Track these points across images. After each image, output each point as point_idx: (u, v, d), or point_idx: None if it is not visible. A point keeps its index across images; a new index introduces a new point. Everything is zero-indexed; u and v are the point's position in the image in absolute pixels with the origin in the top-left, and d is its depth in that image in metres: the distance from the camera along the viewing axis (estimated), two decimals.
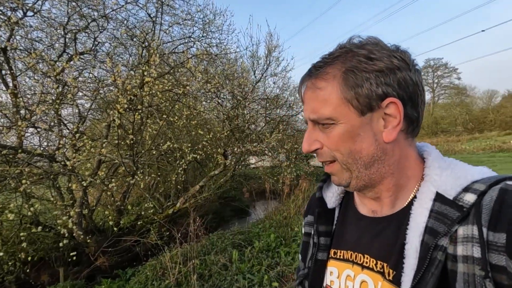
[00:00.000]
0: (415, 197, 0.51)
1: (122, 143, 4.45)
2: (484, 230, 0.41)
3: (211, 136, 5.47)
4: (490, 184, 0.43)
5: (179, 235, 3.79)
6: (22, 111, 4.15)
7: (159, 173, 6.35)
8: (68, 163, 3.46)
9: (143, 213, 5.22)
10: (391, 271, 0.49)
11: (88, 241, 4.65)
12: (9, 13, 4.15)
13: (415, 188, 0.52)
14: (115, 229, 4.59)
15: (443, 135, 32.17)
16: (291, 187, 6.54)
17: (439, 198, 0.47)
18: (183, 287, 3.23)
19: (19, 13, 4.34)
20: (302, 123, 12.79)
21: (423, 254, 0.44)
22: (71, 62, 4.73)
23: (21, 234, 3.28)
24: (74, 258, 3.80)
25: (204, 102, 6.28)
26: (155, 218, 5.43)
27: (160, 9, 5.25)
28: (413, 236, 0.47)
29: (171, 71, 4.89)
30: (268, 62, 6.79)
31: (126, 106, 3.63)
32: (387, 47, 0.51)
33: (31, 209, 3.19)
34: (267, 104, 8.07)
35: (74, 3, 4.61)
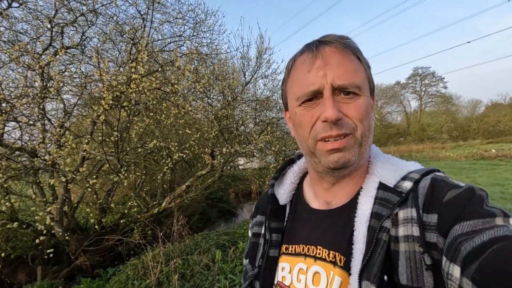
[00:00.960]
0: (361, 188, 0.55)
1: (107, 140, 4.37)
2: (420, 212, 0.46)
3: (199, 136, 5.44)
4: (423, 174, 0.51)
5: (162, 234, 3.75)
6: (4, 104, 4.04)
7: (145, 172, 6.27)
8: (47, 157, 3.38)
9: (127, 212, 5.13)
10: (342, 257, 0.52)
11: (68, 239, 4.54)
12: None
13: (363, 180, 0.56)
14: (97, 227, 4.50)
15: (429, 142, 32.95)
16: None
17: (381, 186, 0.52)
18: (164, 287, 3.20)
19: (4, 4, 4.24)
20: None
21: (370, 237, 0.47)
22: (57, 56, 4.63)
23: None
24: (51, 255, 3.70)
25: (193, 102, 6.25)
26: (139, 217, 5.34)
27: (151, 6, 5.21)
28: (361, 222, 0.50)
29: (160, 69, 4.85)
30: (258, 64, 6.82)
31: (111, 102, 3.58)
32: None
33: (7, 204, 3.09)
34: (257, 106, 8.09)
35: None
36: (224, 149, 7.00)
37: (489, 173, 9.67)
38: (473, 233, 0.39)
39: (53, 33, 4.72)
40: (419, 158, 17.57)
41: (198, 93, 5.94)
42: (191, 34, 5.83)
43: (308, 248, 0.57)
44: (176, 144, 5.27)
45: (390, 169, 0.54)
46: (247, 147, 7.02)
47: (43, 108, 4.46)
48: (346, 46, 0.52)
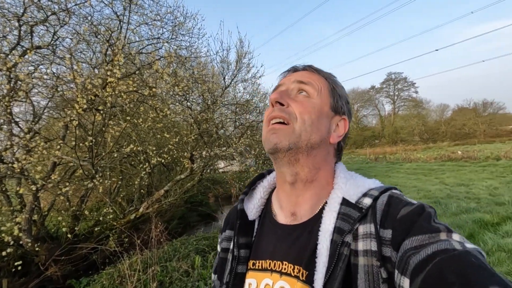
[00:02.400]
0: (326, 202, 0.58)
1: (81, 144, 4.20)
2: (378, 227, 0.49)
3: (177, 139, 5.36)
4: (382, 191, 0.54)
5: (140, 241, 3.65)
6: None
7: (121, 177, 6.07)
8: (15, 165, 3.20)
9: (102, 218, 4.94)
10: (304, 271, 0.53)
11: (38, 249, 4.31)
12: None
13: (327, 194, 0.59)
14: (69, 236, 4.30)
15: (402, 144, 34.44)
16: None
17: (344, 202, 0.55)
18: None
19: None
20: None
21: (333, 251, 0.50)
22: (26, 56, 4.40)
23: None
24: (20, 268, 3.49)
25: (171, 105, 6.15)
26: (115, 224, 5.17)
27: (128, 7, 5.09)
28: (324, 236, 0.52)
29: (137, 71, 4.74)
30: (238, 68, 6.84)
31: (85, 106, 3.45)
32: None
33: None
34: (237, 109, 8.09)
35: None
36: (204, 153, 6.94)
37: (455, 174, 10.26)
38: (420, 247, 0.42)
39: (22, 32, 4.48)
40: (392, 160, 18.32)
41: (177, 96, 5.86)
42: (170, 37, 5.75)
43: (275, 264, 0.58)
44: (154, 148, 5.16)
45: (353, 185, 0.57)
46: (227, 150, 7.00)
47: (10, 112, 4.21)
48: (315, 71, 0.64)
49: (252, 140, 7.83)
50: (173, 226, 7.14)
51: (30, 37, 4.62)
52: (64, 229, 4.03)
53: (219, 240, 0.74)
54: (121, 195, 6.31)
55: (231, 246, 0.66)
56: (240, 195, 0.71)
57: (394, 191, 0.55)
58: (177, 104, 6.22)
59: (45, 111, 5.42)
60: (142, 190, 6.24)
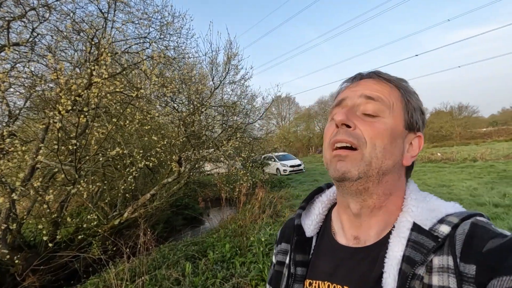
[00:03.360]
0: (393, 227, 0.52)
1: (63, 147, 3.99)
2: (458, 261, 0.43)
3: (165, 142, 5.21)
4: (463, 218, 0.47)
5: (127, 248, 3.50)
6: None
7: (105, 181, 5.82)
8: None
9: (84, 225, 4.72)
10: None
11: (13, 259, 4.05)
12: None
13: (395, 218, 0.53)
14: (50, 244, 4.07)
15: None
16: (247, 196, 6.54)
17: (415, 228, 0.49)
18: None
19: None
20: (258, 130, 13.00)
21: (401, 283, 0.45)
22: (2, 54, 4.14)
23: None
24: None
25: (158, 106, 5.98)
26: (98, 230, 4.95)
27: (113, 5, 4.90)
28: (391, 265, 0.47)
29: (123, 72, 4.57)
30: (227, 69, 6.77)
31: (69, 107, 3.27)
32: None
33: None
34: (225, 111, 8.01)
35: None
36: (191, 154, 6.79)
37: (436, 175, 10.62)
38: None
39: None
40: None
41: (165, 97, 5.71)
42: (157, 36, 5.60)
43: (334, 287, 0.54)
44: (140, 151, 4.99)
45: (426, 208, 0.51)
46: (215, 152, 6.89)
47: None
48: (385, 79, 0.56)
49: (240, 143, 7.77)
50: (159, 231, 6.94)
51: (6, 33, 4.36)
52: (44, 238, 3.79)
53: (274, 251, 0.72)
54: (105, 200, 6.06)
55: (287, 260, 0.64)
56: (297, 209, 0.68)
57: (479, 218, 0.48)
58: (164, 105, 6.06)
59: (22, 111, 5.12)
60: (127, 194, 6.02)
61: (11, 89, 4.79)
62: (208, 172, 10.37)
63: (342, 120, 0.52)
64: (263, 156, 14.34)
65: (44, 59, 4.76)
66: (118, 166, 5.37)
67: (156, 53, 4.71)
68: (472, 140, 28.75)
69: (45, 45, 4.94)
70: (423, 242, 0.47)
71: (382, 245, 0.51)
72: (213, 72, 6.57)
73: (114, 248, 4.88)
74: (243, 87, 8.56)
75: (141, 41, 5.47)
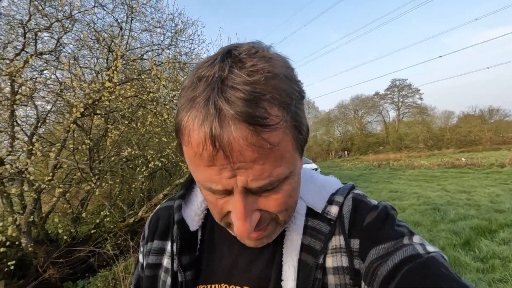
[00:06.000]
0: None
1: (80, 148, 4.30)
2: (347, 238, 0.44)
3: (175, 143, 5.43)
4: (345, 195, 0.49)
5: (134, 243, 3.69)
6: None
7: (122, 180, 6.14)
8: (18, 165, 3.29)
9: (100, 221, 5.01)
10: None
11: (36, 251, 4.37)
12: None
13: None
14: (65, 237, 4.37)
15: (406, 150, 34.20)
16: None
17: (310, 213, 0.48)
18: None
19: None
20: None
21: (305, 275, 0.42)
22: (29, 62, 4.53)
23: None
24: (17, 268, 3.55)
25: (169, 110, 6.25)
26: (113, 227, 5.23)
27: (130, 15, 5.23)
28: (290, 255, 0.45)
29: (137, 77, 4.85)
30: None
31: (82, 110, 3.54)
32: (282, 56, 0.41)
33: None
34: None
35: (36, 2, 4.47)
36: None
37: (458, 180, 10.16)
38: (386, 255, 0.39)
39: (26, 38, 4.63)
40: (396, 166, 18.19)
41: (175, 100, 5.96)
42: (170, 43, 5.88)
43: None
44: (153, 152, 5.24)
45: (314, 190, 0.50)
46: None
47: (13, 115, 4.33)
48: (265, 127, 0.33)
49: None
50: None
51: (34, 43, 4.78)
52: (60, 231, 4.08)
53: (141, 250, 0.58)
54: (123, 199, 6.39)
55: (165, 263, 0.53)
56: (176, 199, 0.56)
57: (355, 191, 0.50)
58: (175, 108, 6.31)
59: (48, 115, 5.56)
60: (142, 194, 6.30)
61: (38, 94, 5.22)
62: None
63: (247, 231, 0.39)
64: None
65: (65, 66, 5.15)
66: (131, 166, 5.66)
67: (165, 59, 4.95)
68: (504, 146, 27.09)
69: (68, 53, 5.35)
70: (320, 227, 0.46)
71: (280, 234, 0.47)
72: None
73: (127, 244, 5.13)
74: None
75: (155, 47, 5.78)
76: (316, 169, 16.22)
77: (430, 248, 0.39)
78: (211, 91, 0.33)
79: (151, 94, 4.24)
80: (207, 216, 0.55)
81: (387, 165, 19.48)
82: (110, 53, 4.91)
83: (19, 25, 4.54)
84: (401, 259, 0.38)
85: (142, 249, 0.59)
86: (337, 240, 0.45)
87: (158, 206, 0.61)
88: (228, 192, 0.38)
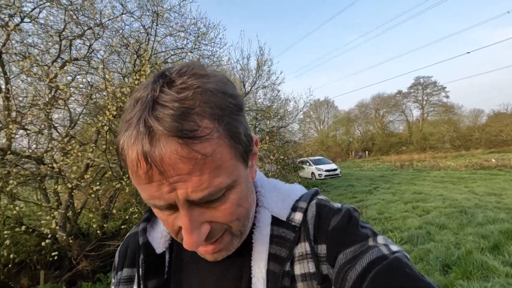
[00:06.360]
0: (254, 225, 0.49)
1: (111, 148, 4.56)
2: (313, 244, 0.45)
3: None
4: (308, 201, 0.50)
5: None
6: (14, 114, 4.25)
7: None
8: (55, 165, 3.56)
9: (128, 217, 5.28)
10: None
11: (71, 244, 4.68)
12: (6, 19, 4.30)
13: (253, 215, 0.49)
14: (98, 232, 4.65)
15: (431, 151, 32.91)
16: None
17: (275, 221, 0.48)
18: None
19: (17, 19, 4.50)
20: (291, 134, 13.07)
21: (273, 285, 0.43)
22: (65, 68, 4.87)
23: (5, 232, 3.35)
24: (55, 259, 3.84)
25: None
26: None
27: (155, 21, 5.48)
28: (258, 267, 0.45)
29: None
30: (258, 75, 7.05)
31: (115, 112, 3.77)
32: (219, 73, 0.43)
33: (17, 208, 3.27)
34: (257, 115, 8.29)
35: (71, 12, 4.79)
36: None
37: (487, 182, 9.71)
38: (354, 259, 0.40)
39: (62, 46, 4.97)
40: (420, 167, 17.60)
41: None
42: (193, 47, 6.08)
43: None
44: None
45: (278, 198, 0.51)
46: None
47: (50, 118, 4.67)
48: (195, 140, 0.34)
49: (271, 145, 7.96)
50: None
51: (69, 50, 5.12)
52: (94, 226, 4.36)
53: (113, 281, 0.57)
54: None
55: None
56: (140, 222, 0.56)
57: (319, 197, 0.52)
58: None
59: (80, 117, 5.92)
60: None
61: (72, 98, 5.57)
62: None
63: (198, 247, 0.40)
64: (298, 160, 14.33)
65: (98, 71, 5.47)
66: None
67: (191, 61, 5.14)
68: None
69: (99, 59, 5.68)
70: (285, 235, 0.47)
71: (246, 246, 0.47)
72: (245, 78, 6.89)
73: None
74: (274, 91, 8.77)
75: (179, 51, 6.00)
76: (335, 170, 16.02)
77: (394, 248, 0.41)
78: (143, 111, 0.34)
79: None
80: (173, 238, 0.53)
81: (410, 166, 18.88)
82: (138, 58, 5.16)
83: (56, 33, 4.89)
84: (368, 262, 0.39)
85: (113, 280, 0.57)
86: (303, 247, 0.46)
87: (128, 233, 0.60)
88: (175, 207, 0.38)
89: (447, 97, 41.00)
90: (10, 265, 4.01)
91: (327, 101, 46.06)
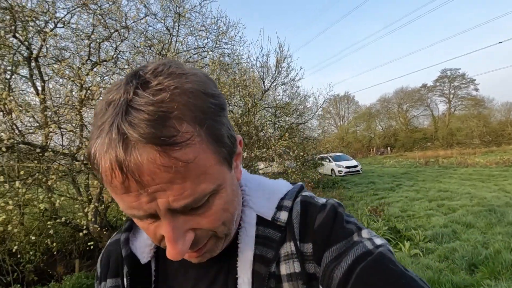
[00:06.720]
0: (239, 226, 0.48)
1: None
2: (298, 243, 0.44)
3: None
4: (293, 199, 0.49)
5: None
6: (49, 113, 4.57)
7: None
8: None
9: None
10: None
11: (103, 234, 4.99)
12: (42, 25, 4.61)
13: (240, 216, 0.48)
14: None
15: (458, 147, 31.45)
16: None
17: (260, 221, 0.47)
18: None
19: (51, 25, 4.80)
20: (310, 131, 12.98)
21: (258, 286, 0.43)
22: (95, 69, 5.14)
23: (48, 223, 3.64)
24: (91, 247, 4.15)
25: None
26: None
27: (177, 21, 5.64)
28: (244, 268, 0.44)
29: None
30: (277, 72, 7.07)
31: None
32: (198, 71, 0.40)
33: (57, 201, 3.54)
34: (277, 112, 8.33)
35: (99, 16, 5.04)
36: (244, 154, 7.27)
37: None
38: (340, 256, 0.40)
39: (91, 48, 5.26)
40: (446, 164, 16.91)
41: None
42: (214, 46, 6.20)
43: None
44: None
45: (263, 197, 0.50)
46: (266, 152, 7.24)
47: (81, 117, 4.97)
48: (175, 146, 0.32)
49: (291, 142, 7.98)
50: None
51: (97, 52, 5.40)
52: (124, 218, 4.63)
53: None
54: None
55: None
56: (122, 232, 0.53)
57: (304, 193, 0.51)
58: None
59: None
60: None
61: (101, 97, 5.88)
62: (261, 171, 10.82)
63: (182, 256, 0.38)
64: (318, 157, 14.22)
65: (124, 72, 5.73)
66: None
67: (212, 60, 5.26)
68: None
69: (124, 59, 5.94)
70: (271, 235, 0.46)
71: (232, 248, 0.47)
72: (264, 75, 6.93)
73: None
74: (293, 88, 8.75)
75: (200, 50, 6.15)
76: (356, 166, 15.75)
77: (378, 241, 0.41)
78: (115, 116, 0.32)
79: None
80: (158, 246, 0.51)
81: (435, 162, 18.17)
82: (161, 58, 5.36)
83: (86, 37, 5.17)
84: (353, 259, 0.39)
85: None
86: (289, 247, 0.45)
87: (108, 241, 0.57)
88: (156, 216, 0.36)
89: (477, 90, 38.86)
90: (54, 253, 4.34)
91: (347, 96, 45.12)
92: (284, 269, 0.44)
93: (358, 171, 15.72)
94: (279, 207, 0.48)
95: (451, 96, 40.21)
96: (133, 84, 0.33)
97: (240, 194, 0.49)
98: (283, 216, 0.47)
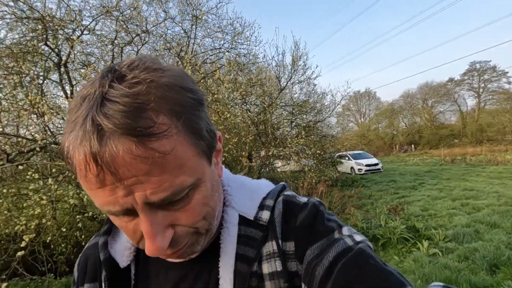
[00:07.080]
0: (221, 226, 0.48)
1: None
2: (280, 242, 0.45)
3: (237, 140, 5.88)
4: (275, 198, 0.50)
5: None
6: None
7: None
8: None
9: None
10: None
11: None
12: (70, 32, 4.93)
13: (221, 215, 0.48)
14: None
15: (488, 144, 29.79)
16: (308, 191, 6.75)
17: (242, 221, 0.48)
18: None
19: (78, 32, 5.12)
20: (328, 128, 12.84)
21: (240, 285, 0.43)
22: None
23: (77, 217, 3.92)
24: None
25: (231, 108, 6.75)
26: None
27: (195, 24, 5.82)
28: (226, 267, 0.44)
29: (201, 80, 5.41)
30: (293, 70, 7.08)
31: None
32: (174, 67, 0.40)
33: (85, 197, 3.81)
34: (294, 110, 8.34)
35: (121, 22, 5.31)
36: (262, 152, 7.37)
37: None
38: (321, 253, 0.41)
39: (114, 53, 5.55)
40: (474, 162, 16.11)
41: (237, 100, 6.41)
42: (230, 46, 6.33)
43: None
44: None
45: (246, 196, 0.50)
46: (283, 150, 7.30)
47: None
48: (152, 137, 0.32)
49: (307, 140, 7.97)
50: None
51: (120, 56, 5.69)
52: None
53: None
54: None
55: None
56: (101, 236, 0.52)
57: (286, 192, 0.52)
58: (237, 107, 6.77)
59: None
60: None
61: None
62: (279, 169, 10.89)
63: (163, 251, 0.37)
64: (337, 155, 14.04)
65: None
66: None
67: (228, 61, 5.40)
68: None
69: None
70: (252, 234, 0.46)
71: (214, 248, 0.47)
72: (280, 74, 6.98)
73: None
74: (310, 86, 8.72)
75: (217, 51, 6.30)
76: (376, 164, 15.39)
77: (358, 238, 0.43)
78: (90, 109, 0.31)
79: (215, 96, 4.70)
80: (138, 249, 0.51)
81: (462, 160, 17.36)
82: (179, 60, 5.55)
83: (109, 42, 5.46)
84: (334, 256, 0.40)
85: None
86: (271, 246, 0.45)
87: (86, 245, 0.56)
88: (133, 213, 0.35)
89: (510, 83, 36.45)
90: (83, 245, 4.64)
91: (368, 93, 43.97)
92: (266, 268, 0.44)
93: (379, 169, 15.35)
94: (261, 207, 0.49)
95: (481, 90, 38.05)
96: (108, 77, 0.33)
97: (221, 190, 0.49)
98: (265, 215, 0.47)
